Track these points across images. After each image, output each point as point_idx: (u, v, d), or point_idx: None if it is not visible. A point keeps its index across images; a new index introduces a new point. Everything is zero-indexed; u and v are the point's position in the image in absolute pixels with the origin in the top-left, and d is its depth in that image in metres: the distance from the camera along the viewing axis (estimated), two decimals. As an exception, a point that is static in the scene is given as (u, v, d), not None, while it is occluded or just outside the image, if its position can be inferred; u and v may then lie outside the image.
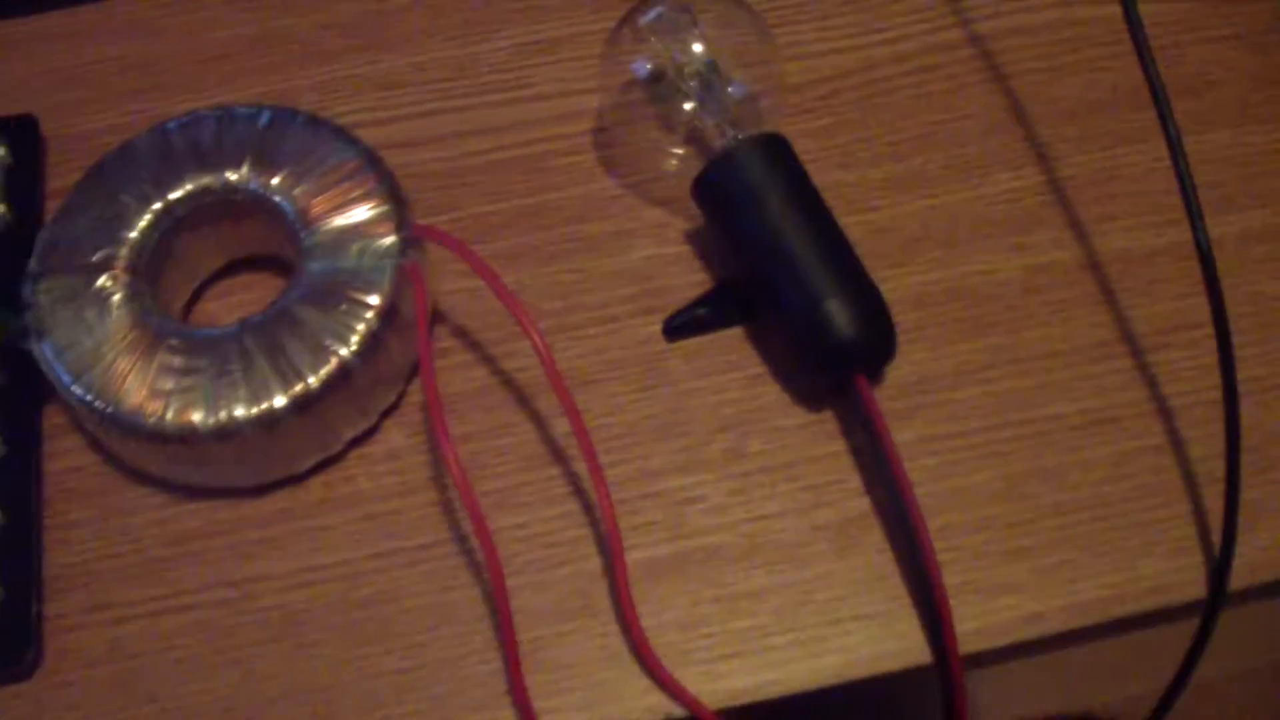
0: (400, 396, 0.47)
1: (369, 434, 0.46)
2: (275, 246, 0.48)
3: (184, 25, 0.56)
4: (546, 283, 0.49)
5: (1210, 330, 0.43)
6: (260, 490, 0.46)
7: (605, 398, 0.47)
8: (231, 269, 0.50)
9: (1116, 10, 0.51)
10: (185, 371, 0.43)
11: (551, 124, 0.52)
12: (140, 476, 0.46)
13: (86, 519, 0.46)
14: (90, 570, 0.45)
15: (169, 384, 0.43)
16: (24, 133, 0.53)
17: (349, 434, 0.46)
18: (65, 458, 0.47)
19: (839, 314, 0.44)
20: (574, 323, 0.48)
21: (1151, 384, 0.47)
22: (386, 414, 0.46)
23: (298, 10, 0.55)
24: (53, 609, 0.44)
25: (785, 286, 0.44)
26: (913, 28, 0.54)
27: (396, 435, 0.46)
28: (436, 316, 0.48)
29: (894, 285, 0.48)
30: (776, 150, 0.46)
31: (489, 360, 0.47)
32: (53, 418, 0.47)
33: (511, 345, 0.48)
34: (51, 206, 0.51)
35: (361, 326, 0.44)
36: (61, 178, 0.52)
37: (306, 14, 0.55)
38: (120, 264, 0.46)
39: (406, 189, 0.48)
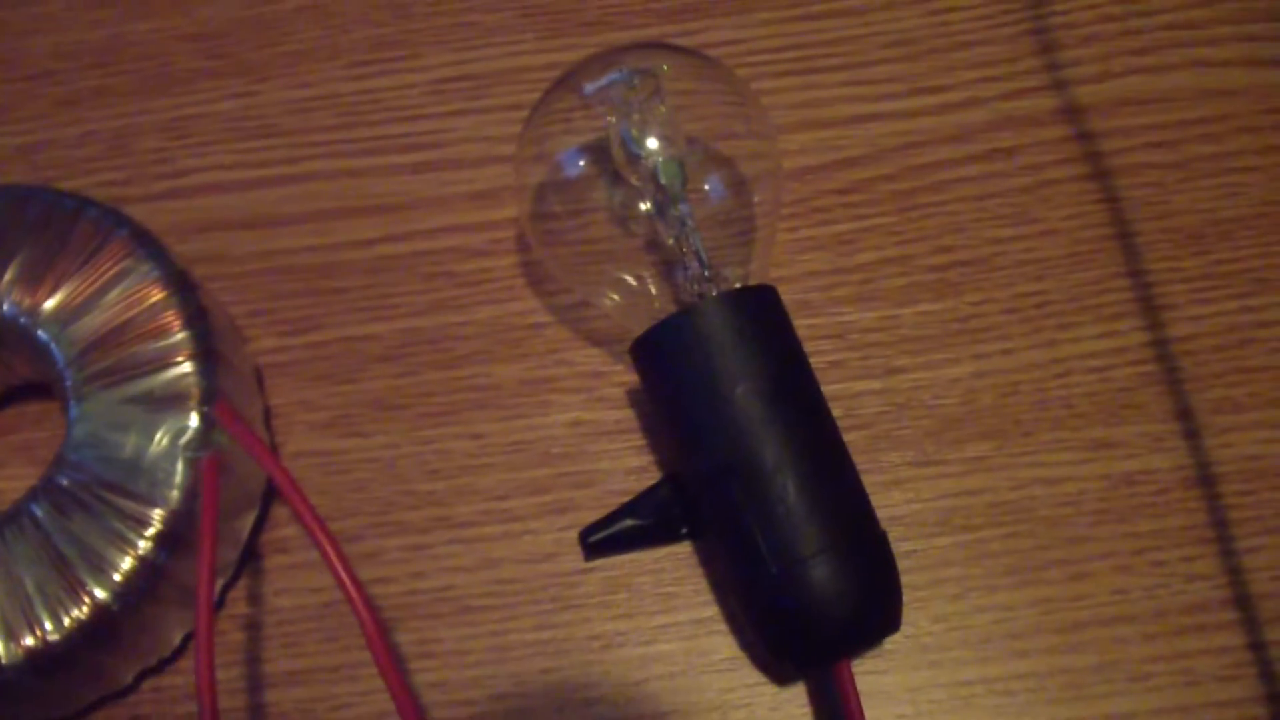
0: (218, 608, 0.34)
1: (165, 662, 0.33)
2: (45, 378, 0.35)
3: (14, 23, 0.42)
4: (430, 451, 0.35)
5: None
6: None
7: (490, 635, 0.33)
8: (16, 395, 0.36)
9: (1275, 77, 0.35)
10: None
11: (465, 206, 0.38)
12: None
13: None
14: None
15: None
16: None
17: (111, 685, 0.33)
18: None
19: (825, 582, 0.30)
20: (458, 517, 0.34)
21: (1266, 675, 0.32)
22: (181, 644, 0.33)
23: (151, 10, 0.41)
24: None
25: (748, 525, 0.30)
26: (984, 89, 0.38)
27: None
28: (270, 494, 0.35)
29: (913, 493, 0.34)
30: (756, 314, 0.32)
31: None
32: None
33: (371, 543, 0.34)
34: None
35: (129, 558, 0.31)
36: None
37: (162, 15, 0.41)
38: None
39: (257, 289, 0.34)
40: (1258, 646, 0.32)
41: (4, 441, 0.37)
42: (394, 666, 0.28)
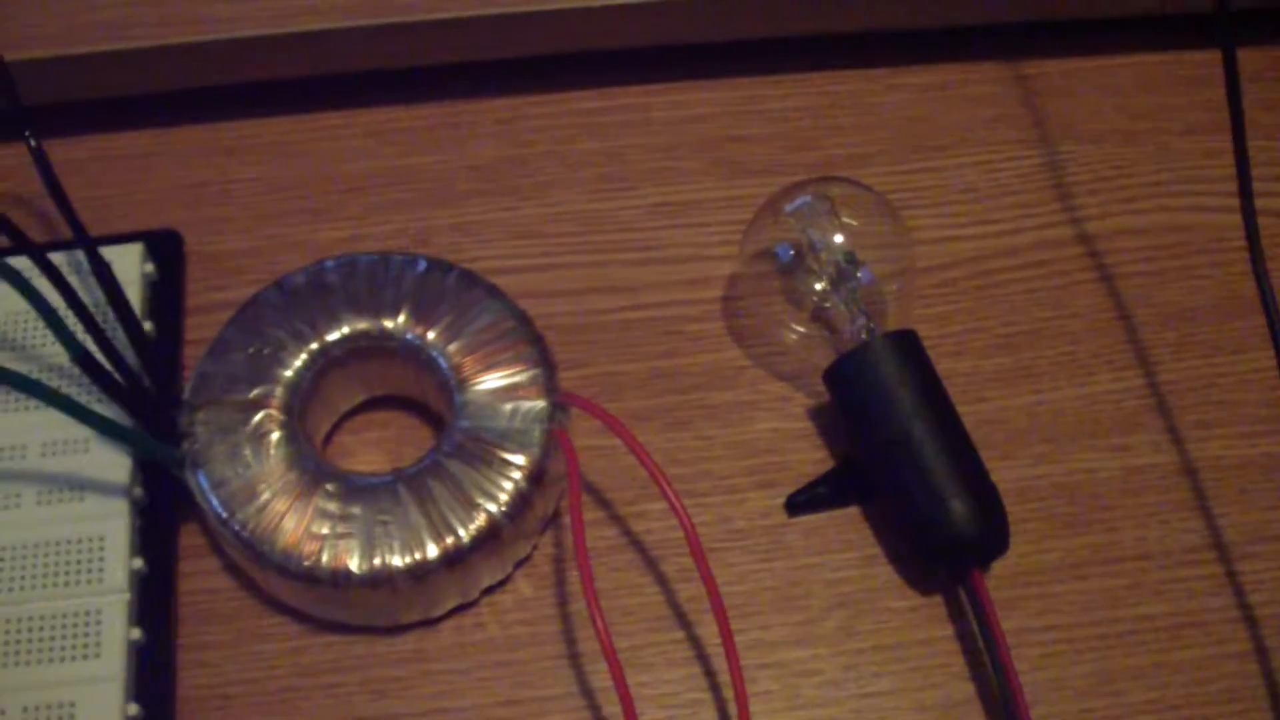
0: (534, 548, 0.49)
1: (502, 583, 0.48)
2: (418, 392, 0.51)
3: (326, 152, 0.58)
4: (672, 448, 0.51)
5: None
6: (393, 630, 0.47)
7: (726, 566, 0.49)
8: (367, 404, 0.52)
9: (1215, 219, 0.55)
10: (341, 517, 0.45)
11: (681, 288, 0.55)
12: (275, 605, 0.48)
13: (221, 642, 0.48)
14: (224, 694, 0.47)
15: (324, 528, 0.45)
16: (169, 248, 0.55)
17: (486, 583, 0.48)
18: (201, 579, 0.49)
19: (962, 513, 0.46)
20: (699, 490, 0.50)
21: (1238, 591, 0.49)
22: (519, 564, 0.48)
23: (437, 149, 0.58)
24: (188, 731, 0.46)
25: (912, 481, 0.47)
26: (1025, 221, 0.57)
27: (527, 586, 0.48)
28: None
29: (1000, 477, 0.50)
30: (909, 347, 0.49)
31: (616, 520, 0.50)
32: (188, 538, 0.49)
33: (639, 506, 0.50)
34: (191, 324, 0.53)
35: (511, 486, 0.46)
36: (199, 295, 0.54)
37: (445, 153, 0.58)
38: (276, 403, 0.47)
39: (539, 340, 0.50)
40: (1231, 574, 0.50)
41: (362, 435, 0.52)
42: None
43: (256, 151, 0.58)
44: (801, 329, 0.52)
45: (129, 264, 0.52)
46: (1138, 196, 0.58)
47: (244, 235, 0.56)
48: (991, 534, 0.47)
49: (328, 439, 0.51)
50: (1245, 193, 0.49)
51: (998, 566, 0.49)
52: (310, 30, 0.55)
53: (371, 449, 0.51)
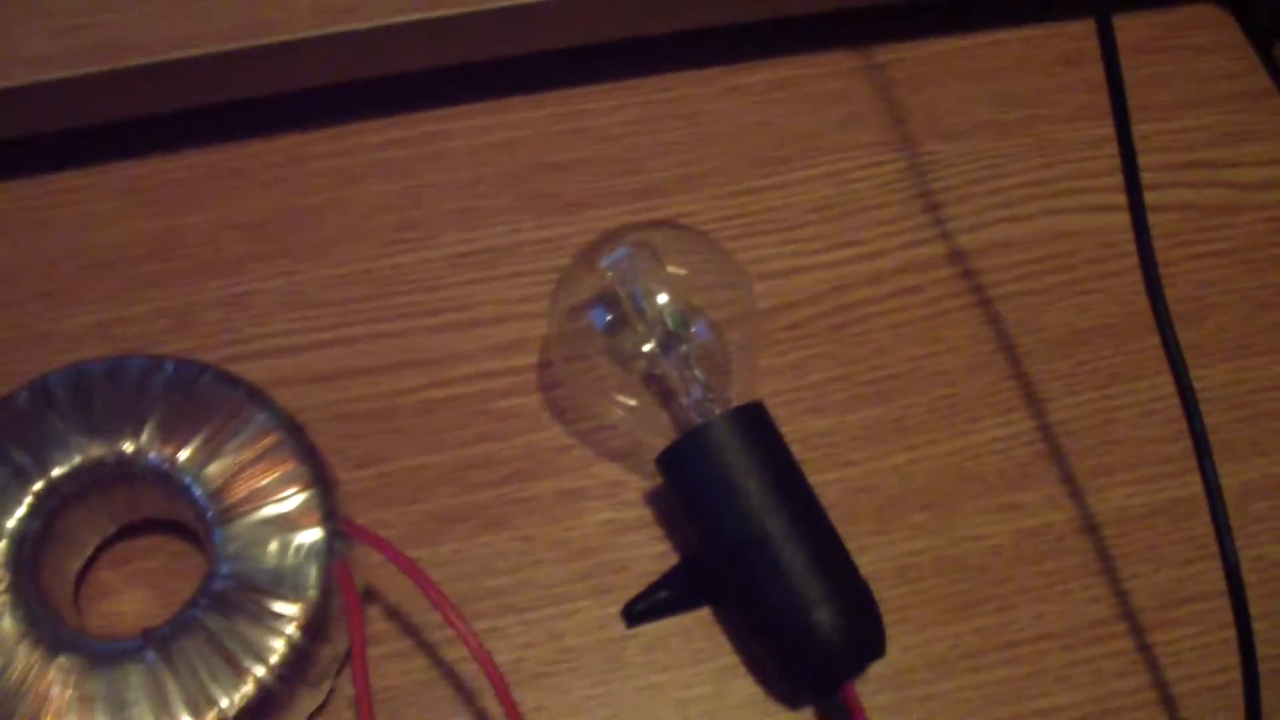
0: (330, 692, 0.41)
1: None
2: (177, 515, 0.43)
3: (69, 220, 0.49)
4: (489, 553, 0.44)
5: (1213, 603, 0.42)
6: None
7: (559, 694, 0.42)
8: (127, 530, 0.44)
9: (1106, 220, 0.48)
10: (82, 698, 0.37)
11: (490, 356, 0.47)
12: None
13: None
14: None
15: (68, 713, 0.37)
16: None
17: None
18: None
19: (829, 625, 0.39)
20: (520, 604, 0.43)
21: (1154, 668, 0.43)
22: (312, 717, 0.41)
23: (200, 205, 0.49)
24: None
25: (767, 589, 0.40)
26: (888, 241, 0.49)
27: (325, 736, 0.41)
28: (366, 595, 0.42)
29: (873, 556, 0.44)
30: (756, 423, 0.42)
31: (427, 648, 0.42)
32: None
33: (451, 631, 0.42)
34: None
35: (282, 644, 0.39)
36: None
37: (210, 209, 0.49)
38: (-2, 559, 0.39)
39: (326, 433, 0.42)
40: (1145, 648, 0.43)
41: (122, 570, 0.44)
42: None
43: (-12, 224, 0.49)
44: (631, 400, 0.44)
45: None
46: (1015, 200, 0.50)
47: (-25, 326, 0.47)
48: (864, 643, 0.40)
49: (82, 576, 0.43)
50: (1133, 185, 0.42)
51: (877, 668, 0.42)
52: (35, 82, 0.46)
53: (136, 584, 0.43)
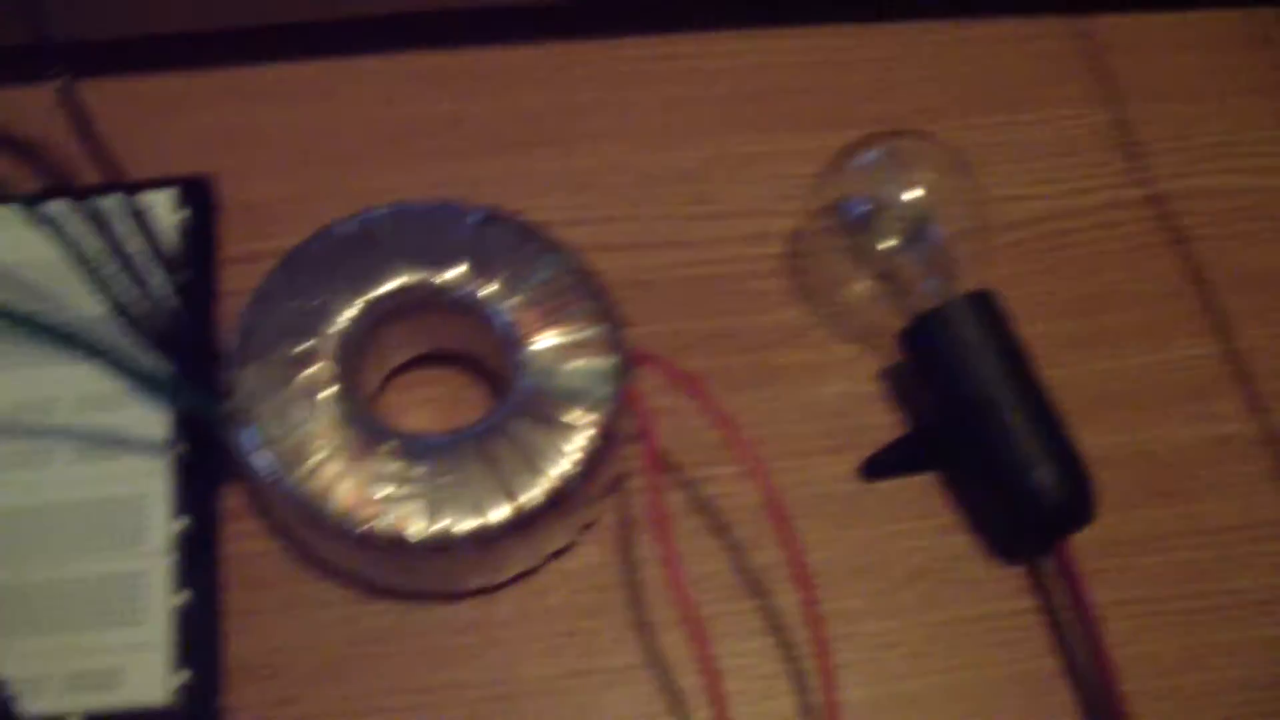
0: (600, 513, 0.46)
1: (567, 549, 0.46)
2: (472, 349, 0.48)
3: (365, 96, 0.55)
4: (738, 410, 0.48)
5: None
6: (452, 596, 0.45)
7: (800, 534, 0.46)
8: (414, 362, 0.49)
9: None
10: (400, 480, 0.43)
11: (741, 244, 0.52)
12: (326, 569, 0.45)
13: (270, 607, 0.45)
14: (273, 663, 0.44)
15: (383, 491, 0.43)
16: (200, 195, 0.52)
17: (552, 549, 0.45)
18: (245, 541, 0.46)
19: (1050, 482, 0.44)
20: (767, 455, 0.47)
21: (1329, 566, 0.48)
22: (584, 530, 0.46)
23: (484, 95, 0.55)
24: (235, 700, 0.43)
25: (994, 449, 0.45)
26: (1095, 181, 0.55)
27: (593, 552, 0.46)
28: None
29: (1079, 444, 0.48)
30: (990, 308, 0.47)
31: (685, 485, 0.47)
32: (229, 498, 0.46)
33: (707, 471, 0.47)
34: (228, 273, 0.50)
35: (580, 448, 0.44)
36: (237, 244, 0.51)
37: (492, 100, 0.55)
38: (326, 357, 0.45)
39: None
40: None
41: (412, 394, 0.49)
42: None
43: (290, 95, 0.55)
44: (868, 285, 0.50)
45: (160, 212, 0.50)
46: (1208, 157, 0.56)
47: (280, 182, 0.53)
48: (1078, 503, 0.45)
49: (375, 397, 0.48)
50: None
51: (1080, 537, 0.47)
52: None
53: (422, 408, 0.49)
